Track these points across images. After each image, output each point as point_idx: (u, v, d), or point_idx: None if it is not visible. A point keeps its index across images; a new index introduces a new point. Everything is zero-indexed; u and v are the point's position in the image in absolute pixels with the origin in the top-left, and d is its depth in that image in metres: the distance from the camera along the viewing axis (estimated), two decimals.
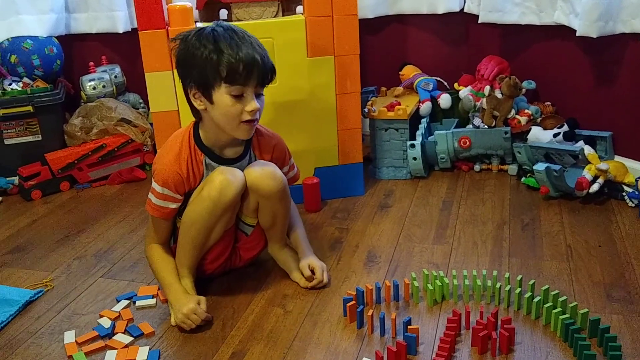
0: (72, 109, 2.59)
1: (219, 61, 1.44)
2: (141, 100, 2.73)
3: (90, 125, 2.46)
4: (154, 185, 1.54)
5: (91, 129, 2.46)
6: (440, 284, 1.58)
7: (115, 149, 2.46)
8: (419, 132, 2.34)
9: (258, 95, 1.51)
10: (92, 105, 2.51)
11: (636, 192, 2.02)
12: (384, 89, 2.61)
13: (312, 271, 1.66)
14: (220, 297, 1.64)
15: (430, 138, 2.37)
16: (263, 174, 1.55)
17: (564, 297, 1.50)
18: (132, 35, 2.48)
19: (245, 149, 1.60)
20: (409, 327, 1.43)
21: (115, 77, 2.70)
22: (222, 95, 1.47)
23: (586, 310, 1.45)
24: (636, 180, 2.05)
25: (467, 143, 2.31)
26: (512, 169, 2.33)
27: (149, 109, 2.35)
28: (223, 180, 1.49)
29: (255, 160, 1.62)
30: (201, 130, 1.56)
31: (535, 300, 1.50)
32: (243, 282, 1.71)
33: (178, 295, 1.53)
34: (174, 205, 1.55)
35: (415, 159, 2.29)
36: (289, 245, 1.75)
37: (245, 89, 1.47)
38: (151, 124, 2.44)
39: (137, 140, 2.49)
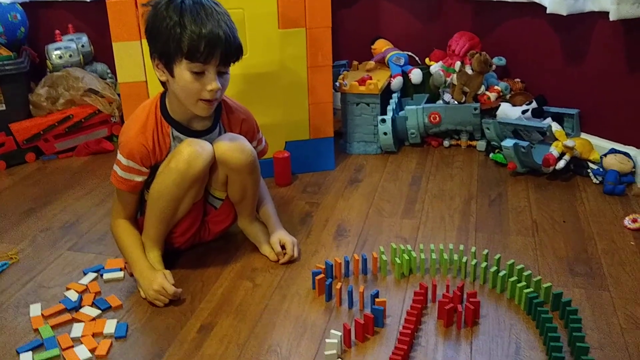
0: (37, 78, 2.53)
1: (181, 36, 1.41)
2: (109, 71, 2.68)
3: (57, 96, 2.41)
4: (119, 157, 1.52)
5: (57, 99, 2.41)
6: (408, 258, 1.60)
7: (83, 120, 2.42)
8: (389, 107, 2.34)
9: (221, 74, 1.48)
10: (58, 74, 2.45)
11: (601, 169, 2.06)
12: (355, 63, 2.60)
13: (283, 246, 1.67)
14: (189, 271, 1.64)
15: (400, 113, 2.37)
16: (232, 146, 1.54)
17: (529, 272, 1.53)
18: (100, 3, 2.41)
19: (214, 122, 1.59)
20: (376, 299, 1.45)
21: (82, 46, 2.64)
22: (183, 70, 1.44)
23: (549, 284, 1.48)
24: (601, 157, 2.09)
25: (437, 119, 2.32)
26: (481, 144, 2.35)
27: (117, 80, 2.31)
28: (191, 152, 1.48)
29: (225, 133, 1.61)
30: (168, 102, 1.54)
31: (501, 274, 1.52)
32: (212, 256, 1.70)
33: (144, 271, 1.52)
34: (139, 179, 1.53)
35: (385, 134, 2.30)
36: (259, 219, 1.75)
37: (207, 67, 1.44)
38: (119, 95, 2.40)
39: (105, 112, 2.45)
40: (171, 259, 1.65)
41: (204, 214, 1.65)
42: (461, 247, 1.64)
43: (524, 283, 1.49)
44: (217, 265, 1.67)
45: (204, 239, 1.70)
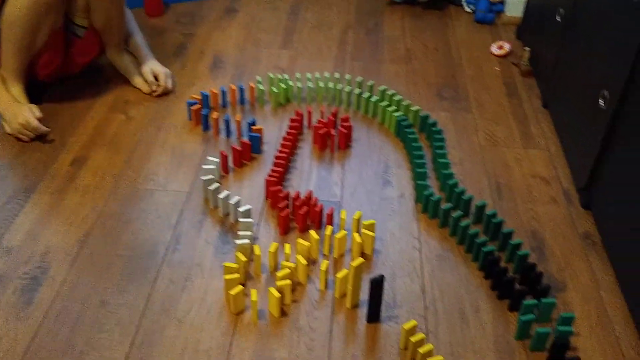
0: None
1: None
2: None
3: None
4: None
5: None
6: (285, 87, 1.61)
7: None
8: None
9: None
10: None
11: None
12: None
13: (156, 78, 1.62)
14: (58, 105, 1.57)
15: None
16: None
17: (400, 97, 1.58)
18: None
19: None
20: (253, 127, 1.46)
21: None
22: None
23: (418, 107, 1.55)
24: None
25: None
26: None
27: None
28: None
29: None
30: None
31: (373, 99, 1.57)
32: (81, 89, 1.63)
33: (7, 104, 1.44)
34: None
35: None
36: (129, 51, 1.66)
37: None
38: None
39: None
40: (37, 93, 1.56)
41: (67, 44, 1.55)
42: (336, 75, 1.66)
43: (394, 107, 1.55)
44: (87, 98, 1.60)
45: (70, 71, 1.61)
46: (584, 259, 1.21)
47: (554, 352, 1.01)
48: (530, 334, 1.05)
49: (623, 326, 1.08)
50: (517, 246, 1.17)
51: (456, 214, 1.22)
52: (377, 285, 1.02)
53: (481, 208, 1.26)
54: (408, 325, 0.99)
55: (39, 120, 1.43)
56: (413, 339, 0.98)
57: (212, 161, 1.35)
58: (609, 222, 1.23)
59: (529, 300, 1.05)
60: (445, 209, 1.25)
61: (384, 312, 1.08)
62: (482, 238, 1.17)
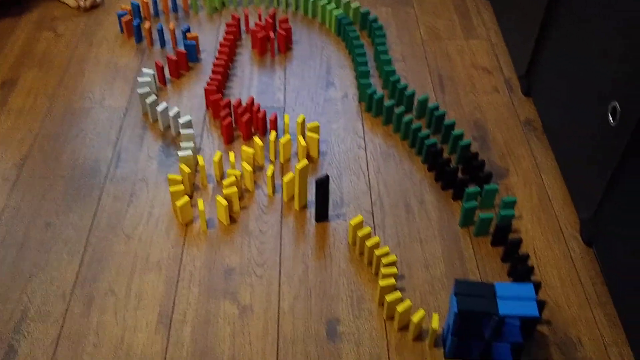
0: None
1: None
2: None
3: None
4: None
5: None
6: None
7: None
8: None
9: None
10: None
11: None
12: None
13: None
14: None
15: None
16: None
17: None
18: None
19: None
20: (188, 35, 1.41)
21: None
22: None
23: (358, 4, 1.51)
24: None
25: None
26: None
27: None
28: None
29: None
30: None
31: None
32: (2, 8, 1.53)
33: None
34: None
35: None
36: None
37: None
38: None
39: None
40: None
41: None
42: None
43: (333, 5, 1.50)
44: (9, 17, 1.51)
45: None
46: (525, 145, 1.23)
47: (497, 235, 1.04)
48: (475, 221, 1.08)
49: (562, 206, 1.12)
50: (459, 137, 1.18)
51: (399, 110, 1.22)
52: (322, 184, 1.03)
53: (423, 102, 1.26)
54: (354, 220, 1.01)
55: None
56: (360, 233, 1.00)
57: (148, 73, 1.30)
58: (548, 107, 1.25)
59: (472, 188, 1.07)
60: (388, 105, 1.24)
61: (332, 211, 1.09)
62: (425, 131, 1.18)
